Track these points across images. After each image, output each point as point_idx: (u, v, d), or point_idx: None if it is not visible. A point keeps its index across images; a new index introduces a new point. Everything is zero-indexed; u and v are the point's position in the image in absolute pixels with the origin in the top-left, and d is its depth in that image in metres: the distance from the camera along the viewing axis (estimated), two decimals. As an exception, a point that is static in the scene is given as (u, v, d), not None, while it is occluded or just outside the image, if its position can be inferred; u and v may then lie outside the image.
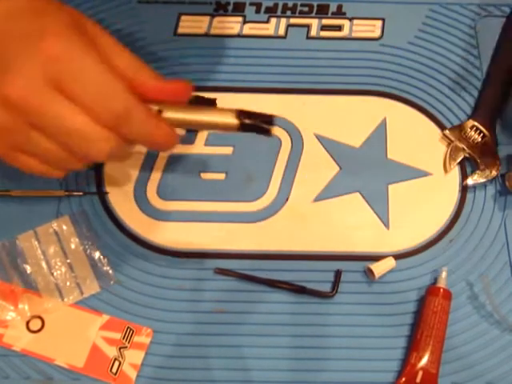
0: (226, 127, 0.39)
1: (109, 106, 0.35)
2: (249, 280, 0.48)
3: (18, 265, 0.47)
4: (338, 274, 0.48)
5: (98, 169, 0.51)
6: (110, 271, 0.48)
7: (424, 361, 0.44)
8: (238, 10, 0.58)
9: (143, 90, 0.37)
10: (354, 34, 0.57)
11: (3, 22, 0.36)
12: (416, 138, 0.53)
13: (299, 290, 0.47)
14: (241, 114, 0.38)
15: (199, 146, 0.53)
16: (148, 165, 0.52)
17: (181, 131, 0.44)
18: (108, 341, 0.46)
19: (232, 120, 0.38)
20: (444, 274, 0.47)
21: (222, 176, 0.52)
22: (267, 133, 0.39)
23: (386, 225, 0.50)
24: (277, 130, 0.53)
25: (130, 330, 0.46)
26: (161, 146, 0.39)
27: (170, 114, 0.38)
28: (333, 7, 0.58)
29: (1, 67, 0.35)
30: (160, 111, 0.38)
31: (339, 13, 0.58)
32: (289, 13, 0.58)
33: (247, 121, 0.38)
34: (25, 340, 0.45)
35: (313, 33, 0.57)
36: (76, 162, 0.38)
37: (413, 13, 0.58)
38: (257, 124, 0.38)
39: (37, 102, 0.34)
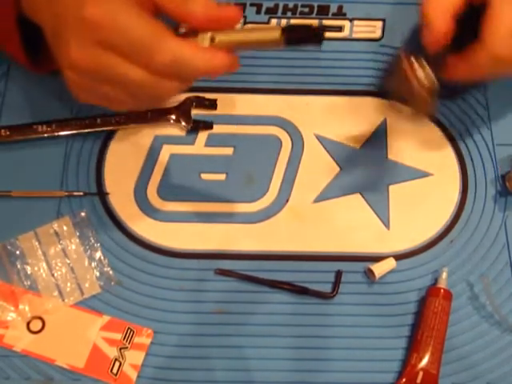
0: (273, 43, 0.39)
1: (157, 58, 0.37)
2: (249, 281, 0.48)
3: (19, 265, 0.47)
4: (338, 274, 0.48)
5: (98, 169, 0.51)
6: (111, 272, 0.48)
7: (424, 361, 0.44)
8: (239, 10, 0.58)
9: (196, 22, 0.38)
10: (354, 35, 0.57)
11: None
12: (416, 139, 0.53)
13: (300, 290, 0.47)
14: (286, 29, 0.38)
15: (199, 147, 0.53)
16: (148, 165, 0.52)
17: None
18: (108, 341, 0.46)
19: (278, 35, 0.38)
20: (444, 275, 0.47)
21: (222, 177, 0.52)
22: (316, 43, 0.39)
23: (387, 225, 0.50)
24: (277, 131, 0.53)
25: (131, 330, 0.46)
26: (222, 73, 0.40)
27: (221, 39, 0.39)
28: (333, 8, 0.58)
29: (57, 33, 0.39)
30: (212, 39, 0.39)
31: (340, 13, 0.58)
32: (289, 14, 0.58)
33: (292, 35, 0.38)
34: (25, 340, 0.45)
35: (313, 33, 0.57)
36: (149, 104, 0.43)
37: (413, 13, 0.58)
38: (302, 36, 0.38)
39: (92, 63, 0.38)
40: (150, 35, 0.37)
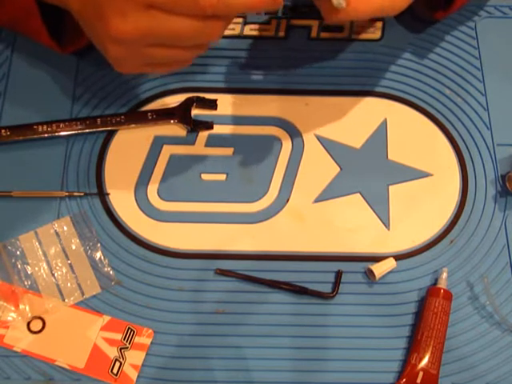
0: None
1: (203, 2, 0.36)
2: (249, 281, 0.48)
3: (19, 265, 0.47)
4: (338, 274, 0.48)
5: (98, 169, 0.51)
6: (111, 272, 0.48)
7: (424, 361, 0.44)
8: (239, 10, 0.58)
9: None
10: (354, 35, 0.57)
11: None
12: (416, 139, 0.53)
13: (300, 290, 0.47)
14: None
15: (200, 147, 0.53)
16: (149, 166, 0.52)
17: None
18: (109, 341, 0.46)
19: None
20: (444, 275, 0.47)
21: (222, 177, 0.52)
22: None
23: (387, 225, 0.50)
24: (277, 131, 0.53)
25: (131, 330, 0.46)
26: (266, 7, 0.39)
27: None
28: (333, 8, 0.58)
29: (89, 11, 0.39)
30: None
31: (340, 14, 0.58)
32: (289, 14, 0.58)
33: None
34: (26, 341, 0.45)
35: (313, 34, 0.57)
36: (193, 56, 0.42)
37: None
38: None
39: (138, 30, 0.37)
40: None
